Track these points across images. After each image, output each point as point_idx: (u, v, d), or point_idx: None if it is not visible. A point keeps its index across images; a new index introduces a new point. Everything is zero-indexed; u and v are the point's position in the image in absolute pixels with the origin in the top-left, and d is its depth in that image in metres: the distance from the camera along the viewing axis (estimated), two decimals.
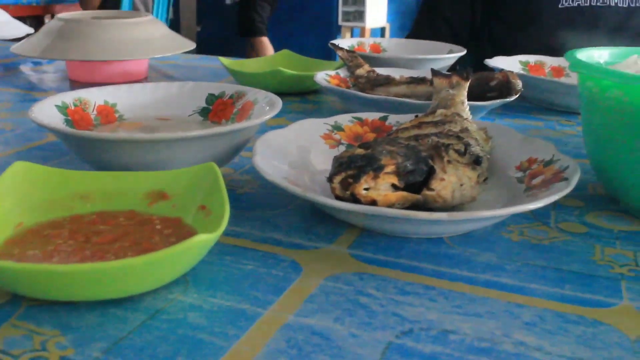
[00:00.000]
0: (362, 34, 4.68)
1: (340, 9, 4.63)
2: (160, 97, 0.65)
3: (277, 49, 3.94)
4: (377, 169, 0.42)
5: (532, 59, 1.04)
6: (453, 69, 1.08)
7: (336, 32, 4.71)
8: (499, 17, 1.29)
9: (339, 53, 0.87)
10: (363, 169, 0.42)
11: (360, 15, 4.58)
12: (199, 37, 5.02)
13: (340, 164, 0.43)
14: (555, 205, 0.53)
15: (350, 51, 0.88)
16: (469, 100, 0.71)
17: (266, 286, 0.39)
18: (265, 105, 0.59)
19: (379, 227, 0.45)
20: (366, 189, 0.41)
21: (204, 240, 0.35)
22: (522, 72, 0.98)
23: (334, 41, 0.95)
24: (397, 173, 0.42)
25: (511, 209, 0.42)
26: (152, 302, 0.36)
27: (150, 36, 0.97)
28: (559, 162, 0.50)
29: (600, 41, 0.98)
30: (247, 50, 4.09)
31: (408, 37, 1.37)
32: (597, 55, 0.59)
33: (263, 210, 0.50)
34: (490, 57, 1.05)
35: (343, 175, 0.42)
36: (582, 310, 0.38)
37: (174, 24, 4.41)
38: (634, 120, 0.47)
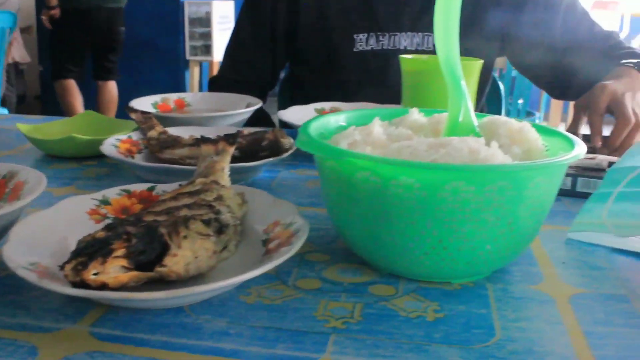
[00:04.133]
0: (211, 67, 4.72)
1: (188, 43, 4.66)
2: None
3: (128, 87, 3.91)
4: (106, 254, 0.46)
5: (327, 106, 1.11)
6: (255, 118, 1.14)
7: (184, 66, 4.73)
8: (302, 63, 1.35)
9: (132, 116, 0.91)
10: (91, 256, 0.46)
11: (207, 50, 4.62)
12: (43, 76, 4.89)
13: (75, 251, 0.47)
14: (300, 261, 0.59)
15: (146, 113, 0.91)
16: (244, 160, 0.77)
17: None
18: (36, 184, 0.62)
19: (117, 304, 0.49)
20: (95, 274, 0.45)
21: None
22: None
23: (131, 102, 0.99)
24: (128, 255, 0.47)
25: (218, 283, 0.47)
26: None
27: None
28: (294, 225, 0.56)
29: (392, 84, 1.06)
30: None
31: (212, 81, 1.40)
32: (334, 120, 0.65)
33: (19, 293, 0.53)
34: (300, 102, 1.12)
35: (73, 263, 0.46)
36: None
37: (15, 64, 4.28)
38: (348, 189, 0.53)
